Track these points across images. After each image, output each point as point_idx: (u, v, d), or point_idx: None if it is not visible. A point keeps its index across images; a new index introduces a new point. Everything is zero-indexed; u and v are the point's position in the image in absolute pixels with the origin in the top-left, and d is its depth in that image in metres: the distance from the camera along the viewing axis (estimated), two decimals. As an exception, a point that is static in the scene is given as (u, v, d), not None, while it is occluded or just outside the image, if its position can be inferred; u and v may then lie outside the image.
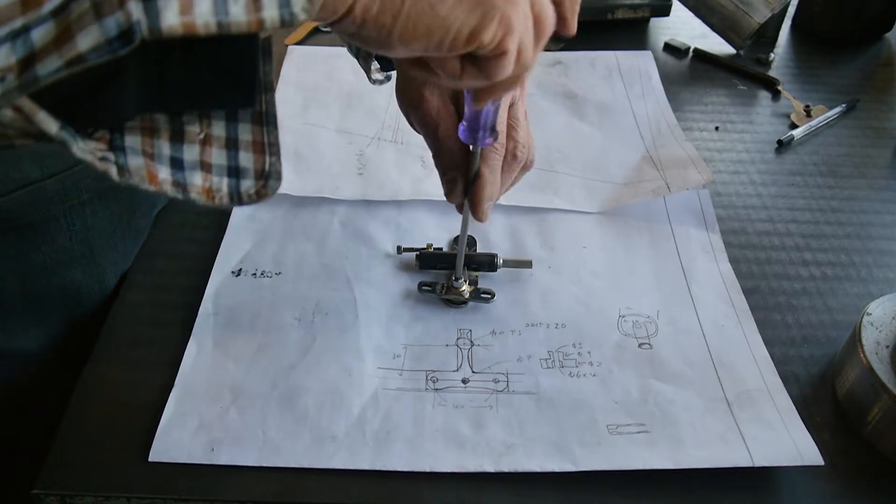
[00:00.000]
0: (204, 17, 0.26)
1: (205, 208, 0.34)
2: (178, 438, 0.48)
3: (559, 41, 0.94)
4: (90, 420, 0.49)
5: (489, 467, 0.47)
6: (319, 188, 0.67)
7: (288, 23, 0.28)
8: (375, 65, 0.57)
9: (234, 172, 0.34)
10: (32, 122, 0.27)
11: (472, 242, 0.62)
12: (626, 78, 0.86)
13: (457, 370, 0.53)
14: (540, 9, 0.35)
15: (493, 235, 0.64)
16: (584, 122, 0.79)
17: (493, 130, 0.47)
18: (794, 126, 0.80)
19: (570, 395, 0.51)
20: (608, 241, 0.64)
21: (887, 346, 0.50)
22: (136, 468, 0.46)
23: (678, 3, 0.95)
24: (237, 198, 0.34)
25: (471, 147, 0.48)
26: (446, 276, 0.58)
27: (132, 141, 0.32)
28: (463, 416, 0.50)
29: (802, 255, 0.64)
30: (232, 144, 0.34)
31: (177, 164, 0.33)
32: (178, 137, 0.33)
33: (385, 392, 0.51)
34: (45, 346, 0.57)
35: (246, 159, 0.34)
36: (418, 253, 0.60)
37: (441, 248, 0.62)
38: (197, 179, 0.32)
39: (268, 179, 0.34)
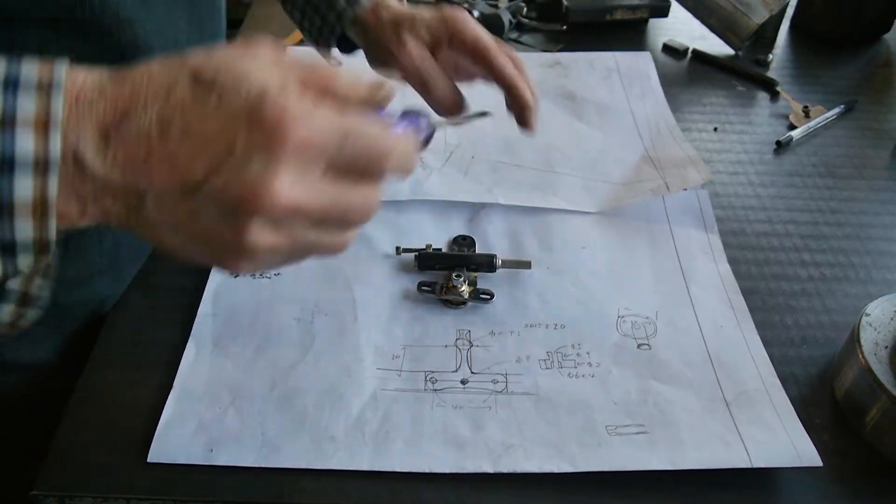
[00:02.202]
0: None
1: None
2: (177, 439, 0.48)
3: (558, 42, 0.94)
4: (89, 421, 0.49)
5: (488, 468, 0.47)
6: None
7: (13, 273, 0.30)
8: (335, 51, 0.60)
9: None
10: None
11: (470, 243, 0.63)
12: (625, 79, 0.86)
13: (456, 371, 0.53)
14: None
15: (492, 236, 0.64)
16: (584, 123, 0.79)
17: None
18: (792, 127, 0.80)
19: (568, 395, 0.51)
20: (607, 242, 0.64)
21: (886, 347, 0.50)
22: (135, 469, 0.46)
23: (677, 3, 0.95)
24: None
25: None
26: (445, 277, 0.58)
27: None
28: (462, 417, 0.50)
29: (801, 255, 0.64)
30: None
31: None
32: None
33: (384, 393, 0.51)
34: (63, 355, 0.57)
35: (14, 282, 0.35)
36: (417, 253, 0.60)
37: (440, 249, 0.62)
38: None
39: (28, 307, 0.35)
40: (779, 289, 0.61)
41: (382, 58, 0.57)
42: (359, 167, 0.32)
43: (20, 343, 0.55)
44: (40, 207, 0.29)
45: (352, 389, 0.51)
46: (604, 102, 0.82)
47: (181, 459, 0.46)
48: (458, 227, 0.65)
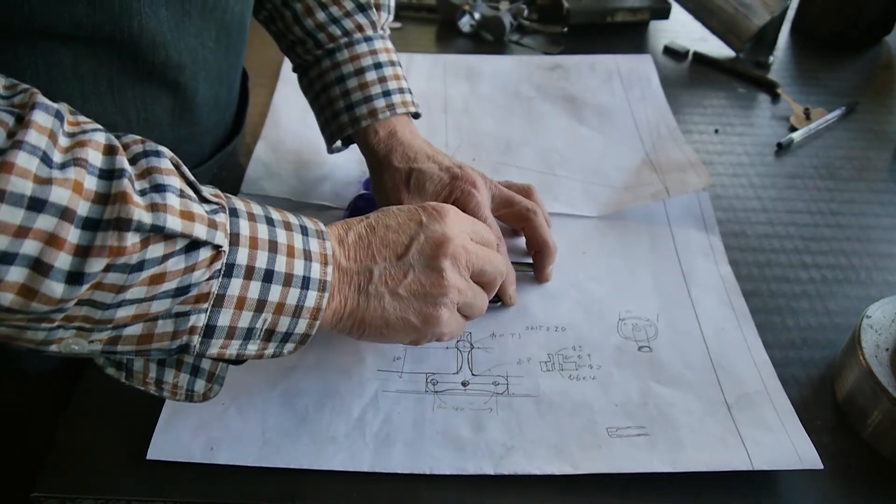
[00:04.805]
0: (231, 351, 0.40)
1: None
2: (177, 437, 0.48)
3: (559, 44, 0.94)
4: (89, 423, 0.49)
5: (489, 470, 0.47)
6: (320, 195, 0.67)
7: (279, 355, 0.42)
8: (338, 144, 0.61)
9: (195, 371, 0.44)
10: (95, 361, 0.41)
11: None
12: (626, 81, 0.86)
13: (457, 373, 0.53)
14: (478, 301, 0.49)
15: (493, 238, 0.64)
16: (584, 126, 0.79)
17: None
18: (793, 129, 0.80)
19: (569, 397, 0.51)
20: (608, 244, 0.64)
21: (887, 349, 0.50)
22: (135, 470, 0.46)
23: (678, 5, 0.95)
24: (191, 395, 0.43)
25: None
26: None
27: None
28: (463, 419, 0.50)
29: (802, 257, 0.64)
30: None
31: (161, 362, 0.43)
32: None
33: (385, 394, 0.51)
34: (64, 360, 0.57)
35: (206, 363, 0.44)
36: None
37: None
38: (169, 377, 0.42)
39: (214, 384, 0.44)
40: (780, 290, 0.61)
41: (385, 202, 0.59)
42: (486, 242, 0.51)
43: (30, 353, 0.55)
44: (315, 312, 0.42)
45: (353, 390, 0.51)
46: (604, 105, 0.82)
47: (181, 457, 0.47)
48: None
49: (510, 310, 0.58)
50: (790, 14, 0.99)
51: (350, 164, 0.71)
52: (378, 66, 0.60)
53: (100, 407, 0.50)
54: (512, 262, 0.59)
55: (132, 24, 0.46)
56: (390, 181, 0.58)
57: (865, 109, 0.84)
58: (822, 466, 0.46)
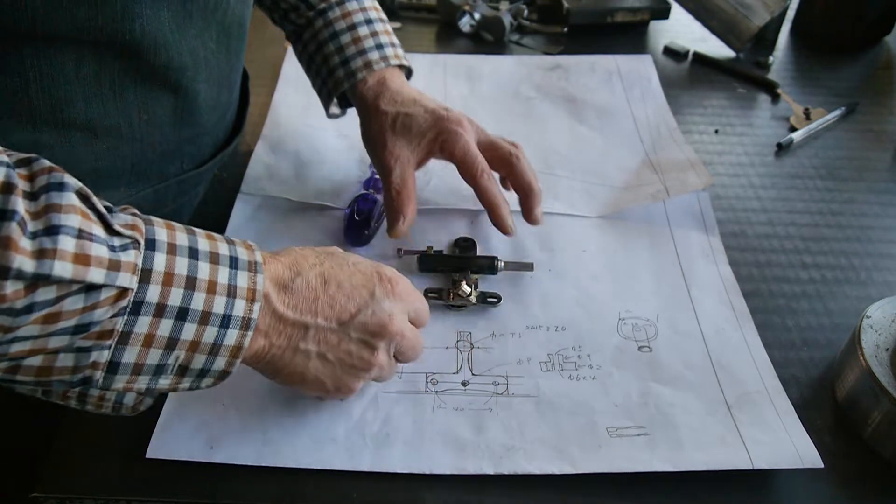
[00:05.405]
0: (139, 386, 0.39)
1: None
2: (177, 435, 0.48)
3: (559, 44, 0.94)
4: (89, 422, 0.49)
5: (489, 470, 0.47)
6: (320, 195, 0.67)
7: (196, 389, 0.41)
8: (335, 103, 0.63)
9: None
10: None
11: (471, 245, 0.63)
12: (626, 81, 0.86)
13: (457, 373, 0.53)
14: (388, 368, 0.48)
15: (493, 238, 0.64)
16: (584, 126, 0.79)
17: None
18: (793, 129, 0.80)
19: (569, 397, 0.51)
20: (608, 244, 0.64)
21: (887, 349, 0.50)
22: (135, 470, 0.46)
23: (678, 6, 0.95)
24: (119, 408, 0.42)
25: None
26: (449, 280, 0.58)
27: None
28: (463, 419, 0.50)
29: (802, 258, 0.64)
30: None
31: None
32: None
33: (385, 394, 0.51)
34: None
35: None
36: (419, 255, 0.60)
37: (441, 251, 0.62)
38: (95, 390, 0.40)
39: (146, 396, 0.42)
40: (780, 291, 0.61)
41: (371, 146, 0.62)
42: (420, 320, 0.50)
43: None
44: (236, 351, 0.40)
45: (353, 391, 0.51)
46: (604, 105, 0.82)
47: (180, 456, 0.47)
48: (459, 229, 0.65)
49: (510, 310, 0.58)
50: (790, 14, 0.99)
51: (350, 164, 0.71)
52: (369, 21, 0.64)
53: (100, 407, 0.50)
54: (512, 262, 0.60)
55: (134, 27, 0.46)
56: (376, 125, 0.60)
57: (865, 110, 0.84)
58: (822, 465, 0.46)
